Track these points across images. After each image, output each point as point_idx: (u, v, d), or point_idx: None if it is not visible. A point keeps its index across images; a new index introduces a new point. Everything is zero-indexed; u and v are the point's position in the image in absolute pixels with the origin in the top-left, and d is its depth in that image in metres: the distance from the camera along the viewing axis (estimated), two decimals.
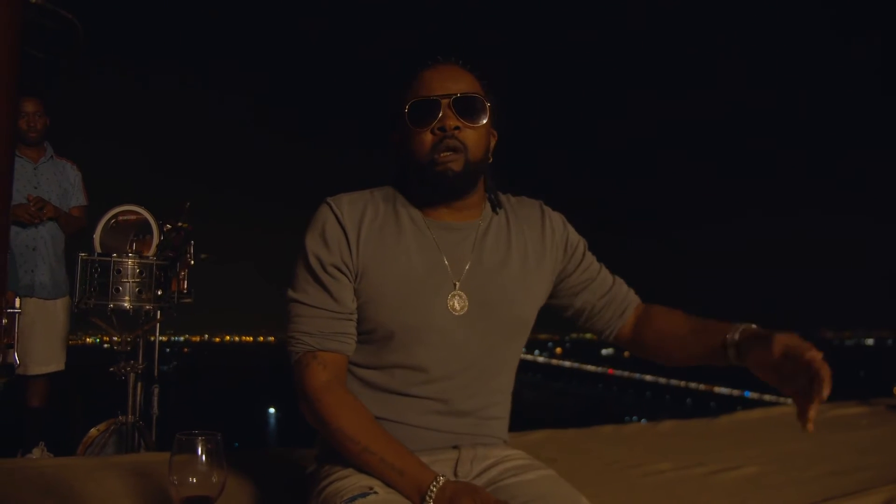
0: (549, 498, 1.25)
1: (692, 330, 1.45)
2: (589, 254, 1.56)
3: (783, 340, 1.21)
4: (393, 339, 1.32)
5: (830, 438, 2.73)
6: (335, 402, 1.27)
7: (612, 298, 1.56)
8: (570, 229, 1.54)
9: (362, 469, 1.27)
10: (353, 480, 1.26)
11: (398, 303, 1.31)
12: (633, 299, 1.59)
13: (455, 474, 1.35)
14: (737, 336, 1.33)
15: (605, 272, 1.58)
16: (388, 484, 1.23)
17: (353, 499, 1.20)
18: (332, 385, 1.28)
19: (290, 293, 1.35)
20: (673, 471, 2.19)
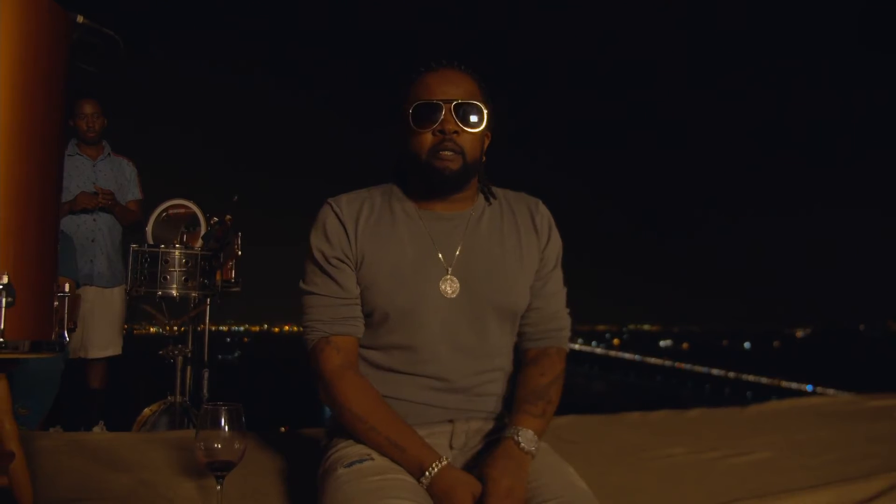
0: (537, 468, 1.35)
1: (516, 397, 1.49)
2: (557, 271, 1.58)
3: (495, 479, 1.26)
4: (388, 321, 1.44)
5: (852, 428, 2.74)
6: (347, 385, 1.40)
7: (536, 321, 1.56)
8: (555, 238, 1.57)
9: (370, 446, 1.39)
10: (354, 449, 1.39)
11: (392, 287, 1.43)
12: (551, 339, 1.57)
13: (450, 447, 1.46)
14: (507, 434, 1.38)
15: (557, 298, 1.58)
16: (393, 461, 1.35)
17: (352, 464, 1.34)
18: (344, 368, 1.41)
19: (302, 286, 1.49)
20: (683, 455, 2.23)
